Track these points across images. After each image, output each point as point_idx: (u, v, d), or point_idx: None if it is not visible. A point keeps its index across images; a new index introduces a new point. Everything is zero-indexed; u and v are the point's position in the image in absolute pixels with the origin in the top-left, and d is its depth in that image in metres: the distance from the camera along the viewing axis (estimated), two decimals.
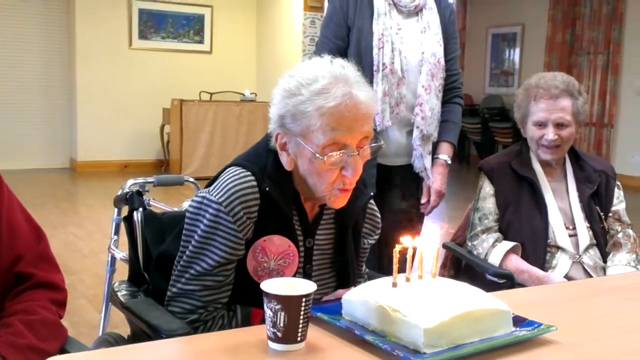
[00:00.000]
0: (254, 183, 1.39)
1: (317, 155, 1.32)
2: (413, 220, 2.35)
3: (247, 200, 1.38)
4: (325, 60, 1.38)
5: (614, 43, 8.41)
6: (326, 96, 1.30)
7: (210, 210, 1.38)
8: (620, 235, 2.19)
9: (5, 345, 1.23)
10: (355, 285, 1.52)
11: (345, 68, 1.36)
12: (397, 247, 1.20)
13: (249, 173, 1.40)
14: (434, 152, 2.34)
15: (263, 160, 1.43)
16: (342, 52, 2.20)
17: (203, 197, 1.41)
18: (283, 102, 1.35)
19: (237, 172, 1.41)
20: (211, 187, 1.42)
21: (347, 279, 1.54)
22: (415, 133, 2.27)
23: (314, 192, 1.39)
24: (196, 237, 1.39)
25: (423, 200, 2.34)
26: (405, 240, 1.21)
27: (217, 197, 1.38)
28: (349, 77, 1.34)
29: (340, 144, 1.32)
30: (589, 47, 8.71)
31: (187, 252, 1.41)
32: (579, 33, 8.83)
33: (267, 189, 1.38)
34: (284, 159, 1.40)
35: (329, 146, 1.32)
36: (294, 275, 1.45)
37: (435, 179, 2.32)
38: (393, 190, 2.30)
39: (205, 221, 1.38)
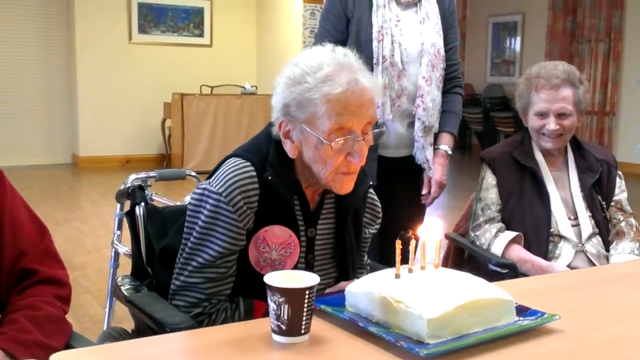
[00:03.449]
0: (254, 173, 1.40)
1: (324, 140, 1.33)
2: (414, 212, 2.35)
3: (247, 190, 1.38)
4: (327, 48, 1.40)
5: (615, 30, 8.36)
6: (332, 83, 1.32)
7: (211, 201, 1.39)
8: (623, 224, 2.18)
9: (11, 341, 1.23)
10: (355, 276, 1.53)
11: (347, 56, 1.38)
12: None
13: (248, 163, 1.41)
14: (435, 142, 2.34)
15: (264, 150, 1.43)
16: (341, 44, 2.19)
17: (204, 189, 1.41)
18: (287, 90, 1.36)
19: (236, 163, 1.41)
20: (211, 179, 1.43)
21: (348, 268, 1.54)
22: (417, 125, 2.27)
23: (319, 179, 1.39)
24: (197, 228, 1.40)
25: (424, 192, 2.34)
26: (408, 232, 1.21)
27: (216, 187, 1.38)
28: (352, 64, 1.36)
29: (346, 129, 1.33)
30: (590, 34, 8.66)
31: (189, 244, 1.41)
32: (579, 21, 8.78)
33: (269, 177, 1.39)
34: (288, 146, 1.40)
35: (335, 131, 1.32)
36: (296, 265, 1.46)
37: (435, 170, 2.32)
38: (394, 181, 2.29)
39: (205, 212, 1.39)
